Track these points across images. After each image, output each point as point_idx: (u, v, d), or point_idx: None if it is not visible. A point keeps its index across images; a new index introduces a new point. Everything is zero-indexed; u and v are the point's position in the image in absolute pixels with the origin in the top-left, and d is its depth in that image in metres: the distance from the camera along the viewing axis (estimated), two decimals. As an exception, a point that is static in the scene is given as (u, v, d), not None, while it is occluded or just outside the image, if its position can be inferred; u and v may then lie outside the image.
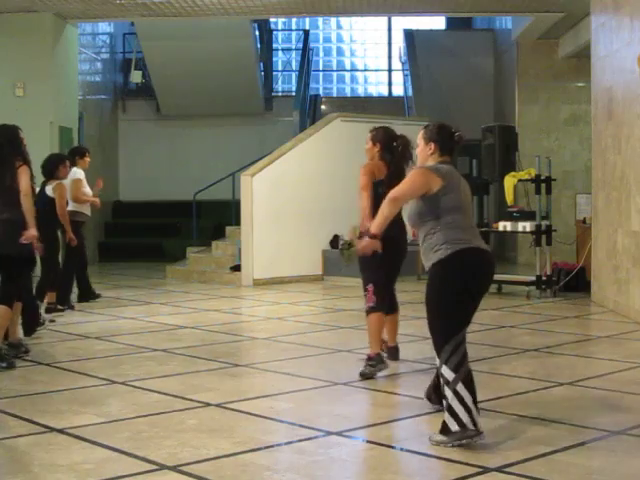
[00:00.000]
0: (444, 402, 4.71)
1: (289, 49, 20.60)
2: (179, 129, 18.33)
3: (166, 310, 10.20)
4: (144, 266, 15.45)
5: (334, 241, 13.08)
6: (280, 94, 19.54)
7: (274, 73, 19.68)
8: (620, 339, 8.05)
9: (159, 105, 18.32)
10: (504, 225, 11.16)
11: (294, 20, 20.18)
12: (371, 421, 5.32)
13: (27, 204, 6.82)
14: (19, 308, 7.18)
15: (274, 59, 19.85)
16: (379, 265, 6.39)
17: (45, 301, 9.42)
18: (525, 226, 10.99)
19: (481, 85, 17.66)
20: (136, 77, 17.59)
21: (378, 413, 5.66)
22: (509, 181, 11.17)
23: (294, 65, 19.60)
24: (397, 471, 4.35)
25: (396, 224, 5.73)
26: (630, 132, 9.21)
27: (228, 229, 14.12)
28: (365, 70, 21.69)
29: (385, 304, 6.55)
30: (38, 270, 8.94)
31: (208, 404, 5.62)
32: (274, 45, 19.87)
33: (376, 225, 5.01)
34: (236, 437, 4.89)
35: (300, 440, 4.83)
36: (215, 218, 16.48)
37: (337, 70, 21.60)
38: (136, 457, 4.50)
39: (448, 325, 4.73)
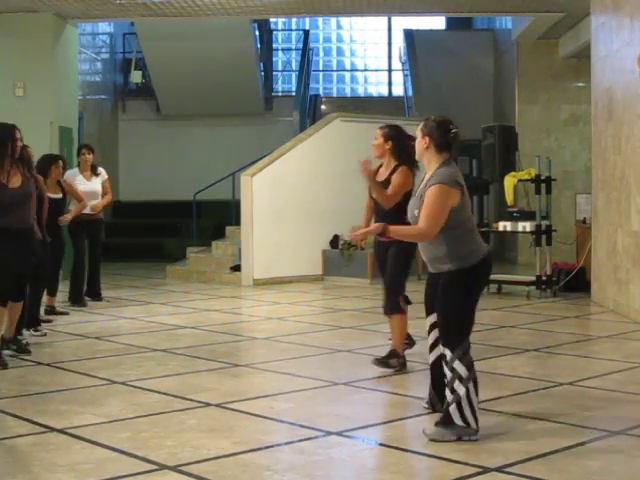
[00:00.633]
0: (451, 396, 4.72)
1: (289, 49, 20.60)
2: (179, 129, 18.33)
3: (166, 310, 10.20)
4: (144, 266, 15.44)
5: (334, 241, 13.08)
6: (280, 94, 19.54)
7: (274, 73, 19.68)
8: (620, 339, 8.05)
9: (159, 105, 18.32)
10: (504, 225, 11.16)
11: (294, 20, 20.18)
12: (371, 421, 5.31)
13: None
14: (18, 308, 7.17)
15: (274, 59, 19.86)
16: (406, 267, 6.52)
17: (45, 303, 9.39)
18: (525, 226, 10.99)
19: (481, 85, 17.65)
20: (136, 77, 17.59)
21: (378, 413, 5.67)
22: (509, 181, 11.17)
23: (294, 65, 19.60)
24: (397, 471, 4.35)
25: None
26: (630, 132, 9.21)
27: (228, 229, 14.12)
28: (365, 70, 21.69)
29: (405, 304, 6.60)
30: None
31: (208, 404, 5.62)
32: (274, 45, 19.87)
33: (394, 232, 5.00)
34: (236, 437, 4.89)
35: (300, 440, 4.83)
36: (215, 218, 16.46)
37: (337, 70, 21.61)
38: (136, 457, 4.50)
39: (464, 325, 4.82)
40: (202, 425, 5.13)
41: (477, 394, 4.78)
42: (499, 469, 4.27)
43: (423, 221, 4.75)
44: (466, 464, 4.35)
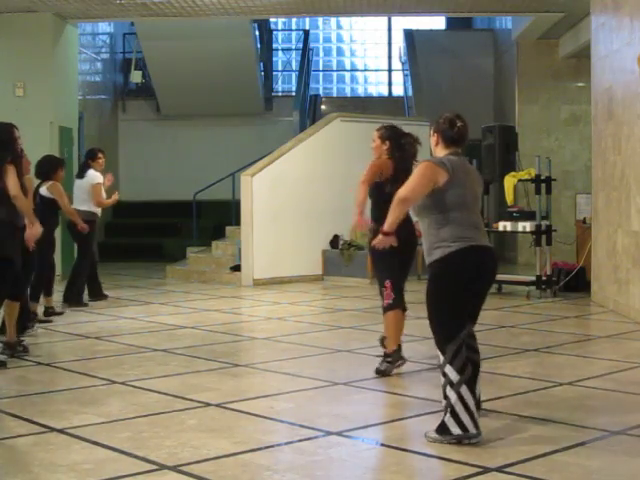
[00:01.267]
0: (445, 402, 4.71)
1: (289, 49, 20.60)
2: (179, 129, 18.33)
3: (166, 310, 10.20)
4: (144, 266, 15.45)
5: (334, 241, 13.09)
6: (280, 94, 19.54)
7: (274, 73, 19.68)
8: (620, 339, 8.05)
9: (159, 105, 18.31)
10: (504, 225, 11.16)
11: (294, 20, 20.18)
12: (371, 421, 5.31)
13: (19, 203, 6.74)
14: (16, 308, 7.16)
15: (274, 59, 19.86)
16: (395, 263, 6.41)
17: (43, 304, 9.38)
18: (525, 226, 10.99)
19: (481, 85, 17.65)
20: (136, 77, 17.59)
21: (378, 413, 5.67)
22: (509, 181, 11.17)
23: (294, 65, 19.61)
24: (397, 471, 4.35)
25: (404, 224, 5.69)
26: (630, 132, 9.21)
27: (228, 229, 14.13)
28: (365, 70, 21.69)
29: (403, 301, 6.55)
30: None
31: (208, 404, 5.62)
32: (274, 45, 19.87)
33: (388, 225, 5.02)
34: (236, 437, 4.89)
35: (300, 440, 4.83)
36: (215, 218, 16.47)
37: (337, 70, 21.61)
38: (136, 457, 4.50)
39: (449, 324, 4.73)
40: (202, 425, 5.13)
41: (474, 392, 4.69)
42: (499, 469, 4.27)
43: (403, 187, 4.90)
44: (466, 464, 4.35)
